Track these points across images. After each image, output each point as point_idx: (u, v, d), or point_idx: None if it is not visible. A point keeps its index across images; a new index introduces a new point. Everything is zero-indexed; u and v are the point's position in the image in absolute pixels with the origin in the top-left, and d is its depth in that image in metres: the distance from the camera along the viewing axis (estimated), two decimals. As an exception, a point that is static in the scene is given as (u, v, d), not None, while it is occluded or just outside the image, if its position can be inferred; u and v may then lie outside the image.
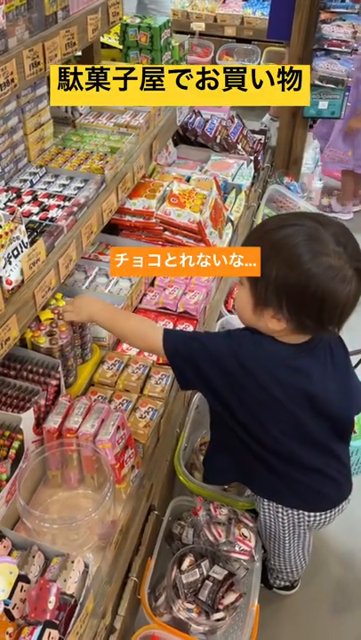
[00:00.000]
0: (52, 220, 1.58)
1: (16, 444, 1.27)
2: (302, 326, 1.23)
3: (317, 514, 1.49)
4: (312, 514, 1.49)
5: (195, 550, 1.59)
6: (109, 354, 1.73)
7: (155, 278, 2.12)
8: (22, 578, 1.13)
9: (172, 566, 1.54)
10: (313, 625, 1.78)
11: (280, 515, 1.51)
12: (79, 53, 2.15)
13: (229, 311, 2.46)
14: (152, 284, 2.10)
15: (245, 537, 1.58)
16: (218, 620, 1.46)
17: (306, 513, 1.49)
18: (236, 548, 1.56)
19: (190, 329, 1.90)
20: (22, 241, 1.35)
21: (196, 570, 1.53)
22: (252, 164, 2.81)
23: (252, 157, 2.82)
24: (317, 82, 2.81)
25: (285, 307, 1.19)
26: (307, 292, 1.16)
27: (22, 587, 1.13)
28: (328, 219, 1.25)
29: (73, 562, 1.18)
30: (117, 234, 2.23)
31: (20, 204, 1.65)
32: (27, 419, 1.29)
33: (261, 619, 1.48)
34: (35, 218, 1.59)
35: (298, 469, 1.39)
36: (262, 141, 3.08)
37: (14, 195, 1.70)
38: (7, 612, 1.08)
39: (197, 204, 2.15)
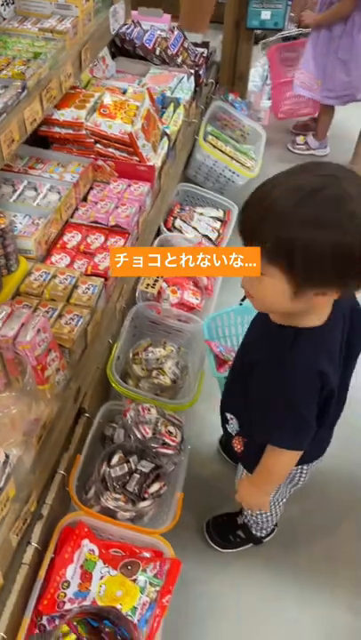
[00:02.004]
0: (-33, 126, 1.53)
1: None
2: (346, 290, 1.09)
3: (311, 464, 1.51)
4: (305, 466, 1.51)
5: (124, 448, 1.68)
6: (37, 265, 1.74)
7: (88, 193, 2.10)
8: None
9: (102, 462, 1.63)
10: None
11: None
12: None
13: (169, 229, 2.48)
14: (85, 200, 2.08)
15: (171, 433, 1.68)
16: (144, 507, 1.57)
17: (305, 466, 1.51)
18: (163, 444, 1.65)
19: (121, 243, 1.92)
20: None
21: (125, 465, 1.63)
22: (192, 78, 2.73)
23: (192, 71, 2.74)
24: (259, -11, 2.71)
25: (332, 276, 1.05)
26: (354, 252, 1.00)
27: None
28: (340, 171, 1.06)
29: (-7, 452, 1.24)
30: (49, 147, 2.18)
31: None
32: None
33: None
34: None
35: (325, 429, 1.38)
36: (205, 55, 2.99)
37: None
38: None
39: (129, 115, 2.11)
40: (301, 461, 1.45)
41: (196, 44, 3.05)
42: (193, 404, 1.84)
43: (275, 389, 1.21)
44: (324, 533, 1.95)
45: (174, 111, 2.51)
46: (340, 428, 1.46)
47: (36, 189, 1.96)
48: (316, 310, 1.14)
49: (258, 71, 3.69)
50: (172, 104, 2.54)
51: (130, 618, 1.34)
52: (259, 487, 1.43)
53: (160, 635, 1.37)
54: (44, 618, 1.37)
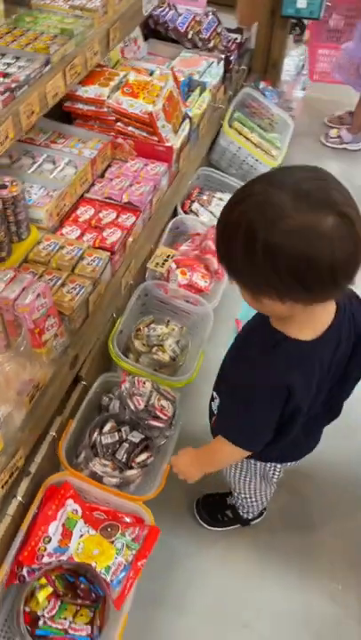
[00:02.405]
0: (-12, 95, 1.59)
1: None
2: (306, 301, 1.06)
3: (285, 464, 1.56)
4: (278, 465, 1.56)
5: (118, 418, 1.74)
6: (47, 235, 1.80)
7: (105, 170, 2.14)
8: None
9: (94, 429, 1.69)
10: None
11: (257, 467, 1.57)
12: None
13: (185, 212, 2.50)
14: (102, 176, 2.13)
15: (164, 407, 1.72)
16: (130, 475, 1.62)
17: (278, 465, 1.56)
18: (155, 417, 1.70)
19: (133, 220, 1.95)
20: None
21: (116, 433, 1.68)
22: (222, 64, 2.74)
23: (222, 56, 2.75)
24: (296, -23, 2.69)
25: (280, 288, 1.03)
26: (282, 269, 0.97)
27: None
28: (281, 172, 1.06)
29: (-16, 406, 1.31)
30: (72, 124, 2.23)
31: None
32: None
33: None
34: (-29, 92, 1.60)
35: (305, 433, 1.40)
36: (238, 41, 2.98)
37: None
38: None
39: (152, 95, 2.14)
40: (274, 459, 1.52)
41: (229, 30, 3.04)
42: (189, 382, 1.88)
43: (239, 381, 1.24)
44: (311, 523, 1.97)
45: (200, 95, 2.52)
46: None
47: (54, 163, 2.02)
48: (299, 320, 1.12)
49: (293, 61, 3.65)
50: (198, 88, 2.55)
51: (103, 576, 1.40)
52: (198, 462, 1.46)
53: (132, 596, 1.42)
54: (25, 569, 1.43)
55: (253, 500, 1.74)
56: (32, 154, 2.04)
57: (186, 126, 2.30)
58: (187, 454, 1.49)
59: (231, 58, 2.86)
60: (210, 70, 2.69)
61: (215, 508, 1.90)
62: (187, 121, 2.31)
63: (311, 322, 1.14)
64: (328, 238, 0.94)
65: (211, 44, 2.84)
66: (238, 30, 3.07)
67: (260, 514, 1.90)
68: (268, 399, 1.18)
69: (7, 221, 1.65)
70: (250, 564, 1.87)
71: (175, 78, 2.27)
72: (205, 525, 1.89)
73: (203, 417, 1.82)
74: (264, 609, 1.78)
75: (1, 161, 2.00)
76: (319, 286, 1.00)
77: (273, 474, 1.62)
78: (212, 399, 1.52)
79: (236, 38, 3.01)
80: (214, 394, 1.50)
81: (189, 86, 2.57)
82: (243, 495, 1.73)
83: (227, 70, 2.83)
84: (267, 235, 0.96)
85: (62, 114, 2.29)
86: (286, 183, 0.98)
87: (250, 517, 1.87)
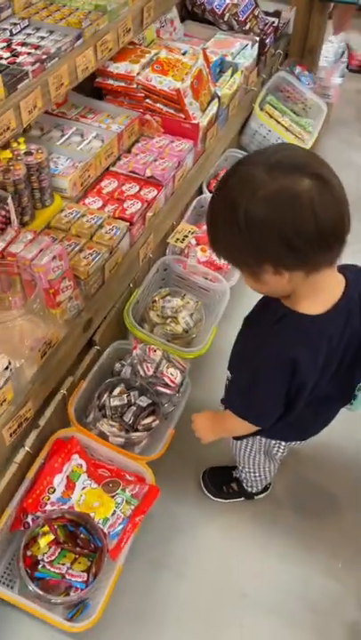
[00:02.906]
0: (19, 65, 1.66)
1: None
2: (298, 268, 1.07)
3: (290, 442, 1.58)
4: (283, 443, 1.59)
5: (128, 383, 1.80)
6: (70, 204, 1.86)
7: (132, 145, 2.19)
8: None
9: (104, 391, 1.75)
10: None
11: (261, 443, 1.60)
12: None
13: (211, 191, 2.53)
14: (129, 152, 2.18)
15: (172, 375, 1.77)
16: (135, 437, 1.68)
17: (283, 443, 1.59)
18: (162, 383, 1.75)
19: (154, 194, 2.00)
20: (-22, 74, 1.45)
21: (125, 397, 1.74)
22: (256, 46, 2.74)
23: (257, 39, 2.75)
24: None
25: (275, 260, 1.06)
26: (270, 237, 1.01)
27: None
28: (255, 153, 1.13)
29: (-3, 356, 1.38)
30: (103, 99, 2.29)
31: (-7, 49, 1.73)
32: (-29, 237, 1.46)
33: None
34: (2, 62, 1.67)
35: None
36: (275, 24, 2.97)
37: (-10, 41, 1.77)
38: None
39: (181, 73, 2.17)
40: (278, 437, 1.55)
41: (267, 14, 3.04)
42: (200, 354, 1.92)
43: (247, 358, 1.26)
44: (315, 500, 1.99)
45: (231, 76, 2.54)
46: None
47: (82, 136, 2.08)
48: (306, 295, 1.13)
49: (333, 47, 3.62)
50: (230, 69, 2.57)
51: (101, 527, 1.46)
52: (213, 426, 1.50)
53: (127, 548, 1.48)
54: (29, 517, 1.51)
55: (257, 474, 1.78)
56: (62, 127, 2.11)
57: (214, 105, 2.33)
58: (206, 416, 1.54)
59: (267, 41, 2.86)
60: (243, 52, 2.71)
61: (221, 479, 1.94)
62: (215, 100, 2.34)
63: (316, 295, 1.15)
64: (307, 198, 0.98)
65: (247, 27, 2.84)
66: (276, 14, 3.06)
67: (265, 489, 1.93)
68: (274, 374, 1.20)
69: (31, 187, 1.72)
70: (252, 537, 1.90)
71: (206, 58, 2.30)
72: (210, 496, 1.93)
73: (212, 392, 1.87)
74: (264, 580, 1.81)
75: (32, 132, 2.08)
76: (311, 250, 1.03)
77: (277, 451, 1.65)
78: (228, 380, 1.54)
79: (274, 22, 3.00)
80: (229, 374, 1.52)
81: (221, 67, 2.59)
82: (247, 469, 1.76)
83: (261, 53, 2.83)
84: (248, 206, 1.01)
85: (94, 90, 2.35)
86: (259, 159, 1.04)
87: (254, 491, 1.91)
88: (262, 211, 1.00)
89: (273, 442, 1.60)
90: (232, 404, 1.35)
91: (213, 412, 1.53)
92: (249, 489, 1.89)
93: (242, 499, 1.93)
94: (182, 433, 1.79)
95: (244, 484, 1.88)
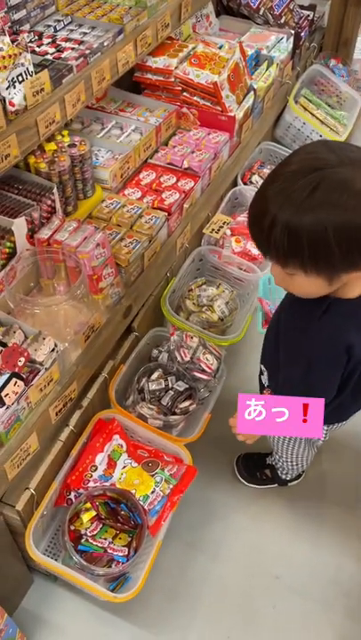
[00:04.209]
0: (64, 60, 1.72)
1: (8, 244, 1.52)
2: None
3: (332, 425, 1.57)
4: (325, 426, 1.55)
5: (165, 368, 1.85)
6: (110, 195, 1.92)
7: (169, 138, 2.24)
8: (1, 343, 1.41)
9: (143, 375, 1.81)
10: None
11: None
12: None
13: (245, 183, 2.57)
14: (166, 144, 2.23)
15: (209, 361, 1.82)
16: (173, 420, 1.73)
17: (325, 427, 1.55)
18: (198, 368, 1.80)
19: (191, 185, 2.04)
20: (27, 69, 1.51)
21: (162, 381, 1.80)
22: (291, 39, 2.76)
23: (292, 32, 2.77)
24: None
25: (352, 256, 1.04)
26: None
27: (0, 350, 1.41)
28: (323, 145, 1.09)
29: (44, 339, 1.45)
30: (141, 94, 2.34)
31: (39, 45, 1.80)
32: (19, 225, 1.53)
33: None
34: (49, 57, 1.74)
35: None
36: (310, 18, 2.98)
37: (36, 37, 1.84)
38: (-15, 362, 1.37)
39: (218, 66, 2.21)
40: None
41: (302, 7, 3.05)
42: (235, 342, 1.96)
43: (297, 353, 1.26)
44: (348, 488, 2.02)
45: (267, 69, 2.57)
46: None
47: (121, 129, 2.14)
48: (352, 283, 1.13)
49: (368, 40, 3.60)
50: (265, 62, 2.60)
51: (141, 503, 1.52)
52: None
53: (166, 525, 1.53)
54: (72, 493, 1.58)
55: (293, 463, 1.81)
56: (102, 120, 2.17)
57: (250, 98, 2.36)
58: None
59: (302, 34, 2.88)
60: (279, 46, 2.73)
61: (254, 466, 1.98)
62: (251, 93, 2.37)
63: (358, 280, 1.13)
64: None
65: (282, 20, 2.86)
66: (311, 7, 3.07)
67: (299, 476, 1.97)
68: (332, 363, 1.22)
69: (74, 178, 1.79)
70: (285, 522, 1.94)
71: (242, 51, 2.33)
72: (244, 482, 1.97)
73: (247, 381, 1.91)
74: (296, 564, 1.85)
75: (73, 126, 2.15)
76: None
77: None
78: (261, 373, 1.56)
79: (309, 15, 3.01)
80: (262, 367, 1.55)
81: (257, 60, 2.61)
82: (284, 458, 1.79)
83: (296, 46, 2.85)
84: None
85: (132, 85, 2.41)
86: (331, 159, 1.01)
87: (288, 479, 1.94)
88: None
89: None
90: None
91: None
92: (283, 476, 1.92)
93: (275, 485, 1.97)
94: (217, 419, 1.83)
95: (279, 472, 1.91)
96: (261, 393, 1.58)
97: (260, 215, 1.06)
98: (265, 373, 1.55)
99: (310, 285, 1.10)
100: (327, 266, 1.06)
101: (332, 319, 1.18)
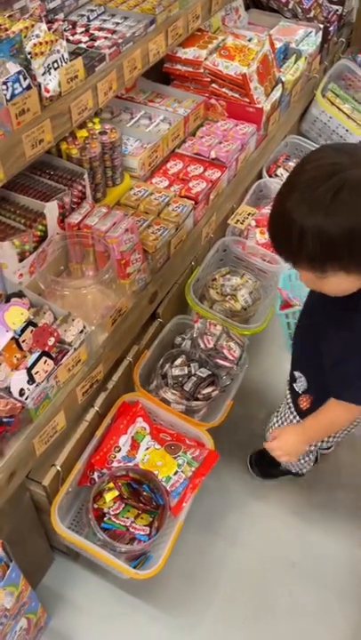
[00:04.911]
0: (97, 48, 1.75)
1: (40, 227, 1.55)
2: None
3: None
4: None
5: (188, 355, 1.87)
6: (138, 183, 1.95)
7: (197, 129, 2.26)
8: (32, 323, 1.45)
9: (166, 361, 1.84)
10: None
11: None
12: None
13: (270, 175, 2.58)
14: (194, 135, 2.25)
15: (231, 349, 1.84)
16: (195, 405, 1.75)
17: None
18: (221, 356, 1.82)
19: (217, 175, 2.06)
20: (63, 55, 1.55)
21: (185, 367, 1.82)
22: (320, 34, 2.76)
23: (321, 26, 2.77)
24: None
25: None
26: None
27: (31, 330, 1.44)
28: (339, 148, 1.10)
29: (74, 320, 1.48)
30: (170, 85, 2.36)
31: (73, 34, 1.83)
32: (51, 208, 1.56)
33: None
34: (82, 45, 1.77)
35: None
36: (338, 12, 2.98)
37: (70, 26, 1.88)
38: (17, 341, 1.40)
39: (248, 58, 2.23)
40: None
41: (331, 2, 3.04)
42: (258, 331, 1.98)
43: (348, 349, 1.23)
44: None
45: (295, 62, 2.57)
46: None
47: (150, 119, 2.16)
48: None
49: (397, 35, 3.58)
50: (294, 55, 2.60)
51: (163, 484, 1.55)
52: (307, 436, 1.46)
53: (188, 507, 1.56)
54: (95, 473, 1.61)
55: (303, 461, 1.78)
56: (131, 110, 2.20)
57: (278, 91, 2.37)
58: (292, 433, 1.48)
59: (330, 29, 2.88)
60: (307, 39, 2.73)
61: (267, 464, 1.92)
62: (279, 85, 2.38)
63: None
64: None
65: (311, 15, 2.86)
66: (340, 2, 3.06)
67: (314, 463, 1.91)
68: None
69: (104, 165, 1.82)
70: (302, 511, 1.96)
71: (271, 43, 2.34)
72: (259, 478, 1.98)
73: (267, 373, 1.92)
74: (312, 553, 1.87)
75: (103, 115, 2.18)
76: None
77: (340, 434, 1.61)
78: (294, 380, 1.54)
79: (338, 10, 3.00)
80: (296, 374, 1.52)
81: (285, 54, 2.62)
82: (294, 462, 1.73)
83: (325, 41, 2.85)
84: None
85: (161, 76, 2.43)
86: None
87: (303, 472, 1.90)
88: None
89: None
90: (354, 397, 1.29)
91: (297, 425, 1.51)
92: (297, 471, 1.89)
93: (290, 475, 1.97)
94: (238, 407, 1.86)
95: (292, 470, 1.88)
96: (295, 401, 1.57)
97: (286, 228, 1.06)
98: (299, 380, 1.52)
99: (349, 283, 1.11)
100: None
101: None
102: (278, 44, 2.53)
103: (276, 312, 1.96)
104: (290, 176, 1.11)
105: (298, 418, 1.57)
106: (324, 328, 1.30)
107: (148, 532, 1.52)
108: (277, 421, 1.69)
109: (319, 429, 1.44)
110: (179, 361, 1.83)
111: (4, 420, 1.29)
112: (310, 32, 2.77)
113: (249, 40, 2.46)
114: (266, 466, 1.96)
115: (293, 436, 1.46)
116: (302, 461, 1.79)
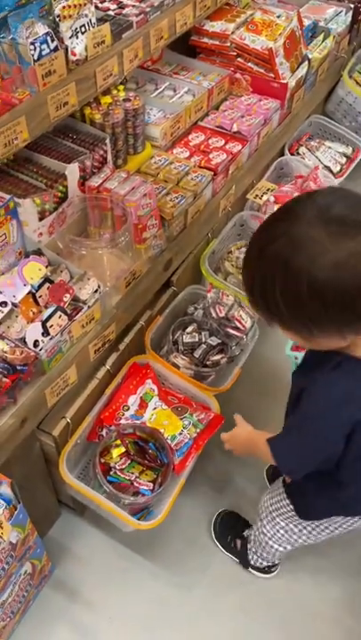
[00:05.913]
0: (125, 16, 1.77)
1: (60, 188, 1.59)
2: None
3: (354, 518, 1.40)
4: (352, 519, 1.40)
5: (200, 324, 1.91)
6: (159, 152, 1.98)
7: (221, 102, 2.27)
8: (49, 280, 1.50)
9: (178, 328, 1.88)
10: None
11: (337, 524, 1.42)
12: None
13: (292, 154, 2.58)
14: (217, 109, 2.26)
15: (242, 319, 1.87)
16: (204, 371, 1.79)
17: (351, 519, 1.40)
18: (232, 325, 1.85)
19: (238, 148, 2.08)
20: (90, 20, 1.58)
21: (196, 335, 1.86)
22: (350, 13, 2.74)
23: (351, 6, 2.74)
24: None
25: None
26: (343, 307, 0.92)
27: (48, 286, 1.49)
28: (300, 205, 0.96)
29: (89, 279, 1.53)
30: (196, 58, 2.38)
31: (102, 2, 1.85)
32: (72, 170, 1.60)
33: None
34: (110, 13, 1.79)
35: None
36: (371, -9, 2.94)
37: (99, -7, 1.90)
38: (33, 295, 1.46)
39: (275, 33, 2.23)
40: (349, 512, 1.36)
41: (365, -20, 3.01)
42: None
43: (302, 403, 1.12)
44: None
45: (323, 41, 2.56)
46: None
47: (174, 90, 2.18)
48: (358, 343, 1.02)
49: None
50: (322, 33, 2.59)
51: (169, 442, 1.60)
52: (248, 444, 1.38)
53: (190, 466, 1.61)
54: (104, 430, 1.67)
55: (270, 543, 1.57)
56: (156, 81, 2.22)
57: (304, 68, 2.36)
58: (244, 432, 1.41)
59: (361, 8, 2.85)
60: (337, 19, 2.71)
61: (230, 528, 1.82)
62: (305, 63, 2.37)
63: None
64: None
65: (343, -7, 2.84)
66: (373, -19, 3.02)
67: (267, 569, 1.74)
68: (326, 432, 1.10)
69: (126, 132, 1.85)
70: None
71: (300, 19, 2.33)
72: (213, 536, 1.82)
73: (275, 350, 1.93)
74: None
75: (128, 85, 2.20)
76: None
77: (345, 528, 1.42)
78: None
79: (371, -11, 2.97)
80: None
81: (313, 32, 2.61)
82: (265, 530, 1.55)
83: (355, 21, 2.82)
84: (310, 275, 0.89)
85: (187, 50, 2.44)
86: (311, 214, 0.92)
87: (253, 563, 1.72)
88: (327, 279, 0.89)
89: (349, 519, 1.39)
90: (274, 447, 1.22)
91: (251, 431, 1.40)
92: (250, 556, 1.71)
93: (237, 560, 1.78)
94: (244, 380, 1.88)
95: (248, 549, 1.70)
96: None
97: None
98: None
99: (293, 339, 1.04)
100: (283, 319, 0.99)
101: (341, 380, 1.06)
102: (307, 22, 2.52)
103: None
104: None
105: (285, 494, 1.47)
106: (303, 389, 1.15)
107: (151, 488, 1.57)
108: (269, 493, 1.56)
109: (255, 449, 1.33)
110: (190, 328, 1.87)
111: (19, 367, 1.35)
112: (341, 11, 2.75)
113: (278, 17, 2.45)
114: (227, 528, 1.82)
115: (244, 435, 1.41)
116: (265, 541, 1.59)
